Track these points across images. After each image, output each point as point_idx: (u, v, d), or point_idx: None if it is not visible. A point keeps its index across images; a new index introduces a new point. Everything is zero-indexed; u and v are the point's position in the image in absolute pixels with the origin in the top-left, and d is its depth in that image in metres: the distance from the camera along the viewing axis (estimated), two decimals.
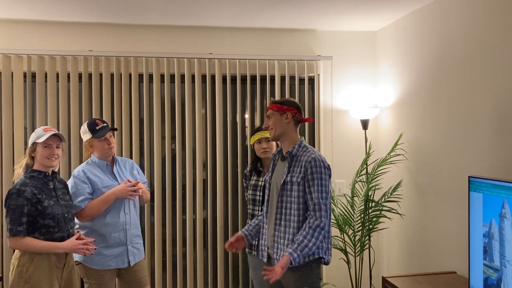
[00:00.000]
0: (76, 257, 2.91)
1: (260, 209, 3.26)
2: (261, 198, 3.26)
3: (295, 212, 2.54)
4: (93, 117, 3.74)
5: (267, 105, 2.81)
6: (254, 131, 3.40)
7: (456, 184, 3.07)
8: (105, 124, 3.03)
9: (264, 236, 2.73)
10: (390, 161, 3.70)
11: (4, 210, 2.58)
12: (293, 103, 2.71)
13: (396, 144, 3.68)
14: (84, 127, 3.01)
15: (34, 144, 2.64)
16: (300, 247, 2.43)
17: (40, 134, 2.64)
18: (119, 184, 3.01)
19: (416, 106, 3.59)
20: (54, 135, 2.65)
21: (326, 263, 2.59)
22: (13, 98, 3.72)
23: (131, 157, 3.85)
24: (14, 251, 2.61)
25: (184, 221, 3.99)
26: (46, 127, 2.71)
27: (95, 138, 2.98)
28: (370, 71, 4.23)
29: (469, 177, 2.58)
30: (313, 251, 2.48)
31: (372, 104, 4.16)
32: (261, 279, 3.00)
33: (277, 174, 2.71)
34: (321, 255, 2.53)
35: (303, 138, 2.73)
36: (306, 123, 4.08)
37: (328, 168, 2.57)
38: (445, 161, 3.22)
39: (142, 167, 3.90)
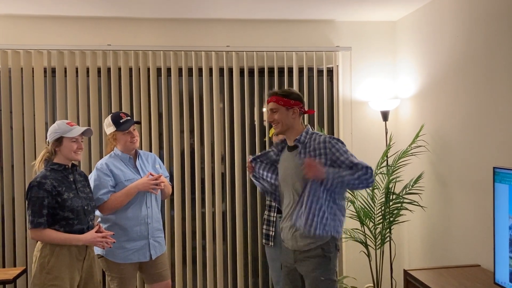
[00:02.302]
0: (98, 250, 2.93)
1: None
2: None
3: (321, 195, 2.49)
4: (114, 111, 3.76)
5: (268, 98, 2.68)
6: None
7: (480, 176, 3.00)
8: (129, 118, 3.04)
9: (281, 231, 2.71)
10: (411, 153, 3.64)
11: (26, 203, 2.62)
12: (299, 97, 2.64)
13: (417, 136, 3.61)
14: (108, 120, 3.02)
15: (61, 138, 2.65)
16: (337, 174, 2.43)
17: (67, 129, 2.65)
18: (141, 177, 3.01)
19: (438, 96, 3.52)
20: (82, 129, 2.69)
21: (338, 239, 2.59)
22: (34, 93, 3.77)
23: (150, 151, 3.86)
24: (36, 243, 2.65)
25: (203, 214, 4.00)
26: (67, 121, 2.72)
27: (119, 131, 2.99)
28: (390, 62, 4.16)
29: (493, 168, 2.52)
30: (346, 184, 2.45)
31: (393, 95, 4.10)
32: (279, 270, 2.98)
33: (288, 166, 2.64)
34: (332, 234, 2.51)
35: (308, 125, 2.69)
36: (325, 116, 4.04)
37: (342, 142, 2.57)
38: (468, 152, 3.16)
39: (161, 161, 3.92)
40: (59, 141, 2.65)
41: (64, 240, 2.58)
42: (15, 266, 3.72)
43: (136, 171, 3.06)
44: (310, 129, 2.64)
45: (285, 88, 2.80)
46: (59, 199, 2.58)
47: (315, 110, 4.03)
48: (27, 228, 2.60)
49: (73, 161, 2.75)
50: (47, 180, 2.58)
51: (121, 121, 2.99)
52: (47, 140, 2.70)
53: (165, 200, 3.86)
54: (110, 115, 3.04)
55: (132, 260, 2.97)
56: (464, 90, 3.19)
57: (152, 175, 3.00)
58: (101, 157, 3.49)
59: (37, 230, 2.54)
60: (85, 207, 2.70)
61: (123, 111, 3.77)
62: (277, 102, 2.59)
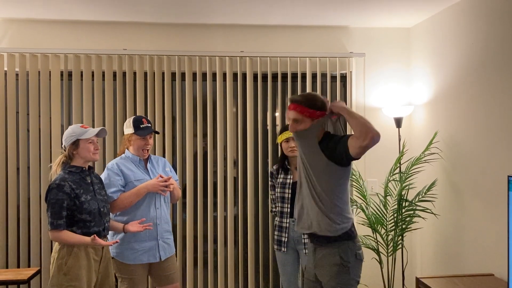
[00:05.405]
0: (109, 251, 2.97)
1: (289, 206, 3.25)
2: (290, 196, 3.25)
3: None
4: (129, 115, 3.81)
5: (290, 103, 2.42)
6: (282, 129, 3.37)
7: (495, 184, 2.98)
8: (149, 125, 3.09)
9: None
10: (424, 160, 3.63)
11: (45, 205, 2.67)
12: (323, 104, 2.37)
13: (431, 143, 3.60)
14: (130, 121, 3.07)
15: (77, 141, 2.70)
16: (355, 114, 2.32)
17: (82, 131, 2.71)
18: (151, 179, 3.06)
19: (452, 103, 3.51)
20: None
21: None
22: (51, 96, 3.83)
23: (164, 155, 3.91)
24: (52, 244, 2.69)
25: (215, 218, 4.02)
26: (81, 124, 2.78)
27: (135, 134, 3.04)
28: (404, 68, 4.15)
29: (508, 176, 2.51)
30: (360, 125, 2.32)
31: (406, 101, 4.09)
32: (290, 274, 2.97)
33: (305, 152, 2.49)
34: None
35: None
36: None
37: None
38: (482, 160, 3.14)
39: (174, 164, 3.95)
40: (75, 144, 2.70)
41: (79, 241, 2.61)
42: (29, 266, 3.77)
43: (146, 172, 3.11)
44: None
45: (307, 92, 2.48)
46: (77, 202, 2.63)
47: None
48: (48, 229, 2.65)
49: (90, 162, 2.80)
50: (66, 182, 2.63)
51: (141, 125, 3.04)
52: (63, 145, 2.75)
53: (177, 203, 3.89)
54: (132, 117, 3.10)
55: (142, 261, 3.00)
56: (479, 97, 3.17)
57: (162, 177, 3.04)
58: (115, 158, 3.53)
59: (56, 231, 2.59)
60: (101, 209, 2.74)
61: (146, 116, 3.83)
62: (302, 113, 2.34)
